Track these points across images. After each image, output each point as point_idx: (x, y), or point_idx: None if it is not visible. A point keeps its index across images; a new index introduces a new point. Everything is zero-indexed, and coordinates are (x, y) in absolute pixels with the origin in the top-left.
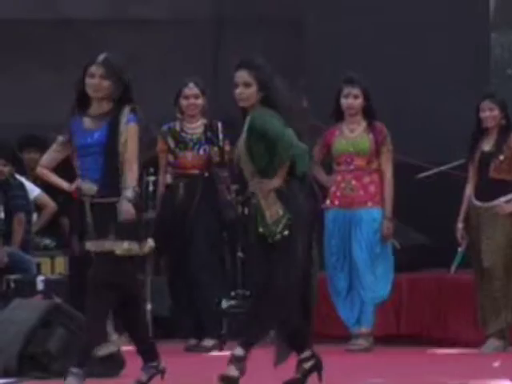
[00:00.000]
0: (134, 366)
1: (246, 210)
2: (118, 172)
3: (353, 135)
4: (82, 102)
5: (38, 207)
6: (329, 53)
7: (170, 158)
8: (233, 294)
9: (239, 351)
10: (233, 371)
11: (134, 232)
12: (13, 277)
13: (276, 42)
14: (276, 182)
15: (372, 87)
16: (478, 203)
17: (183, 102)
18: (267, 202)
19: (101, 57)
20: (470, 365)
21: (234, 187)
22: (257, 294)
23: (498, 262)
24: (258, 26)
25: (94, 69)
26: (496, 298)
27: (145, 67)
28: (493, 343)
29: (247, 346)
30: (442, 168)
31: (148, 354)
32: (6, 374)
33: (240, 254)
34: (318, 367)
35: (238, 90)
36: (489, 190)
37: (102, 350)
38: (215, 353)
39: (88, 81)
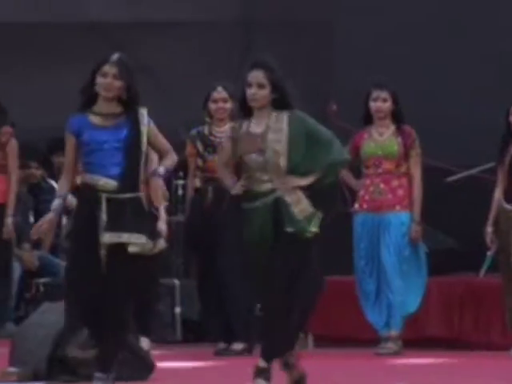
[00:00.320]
0: (162, 369)
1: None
2: (138, 168)
3: (381, 138)
4: (90, 100)
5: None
6: (357, 56)
7: (199, 161)
8: None
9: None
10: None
11: (150, 229)
12: (42, 280)
13: (304, 45)
14: (303, 181)
15: (400, 91)
16: (508, 207)
17: (212, 106)
18: (294, 199)
19: (114, 56)
20: (498, 368)
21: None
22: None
23: None
24: (286, 28)
25: (107, 68)
26: None
27: (172, 71)
28: None
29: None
30: (472, 171)
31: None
32: (35, 378)
33: None
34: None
35: (251, 90)
36: None
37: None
38: (245, 356)
39: (100, 80)
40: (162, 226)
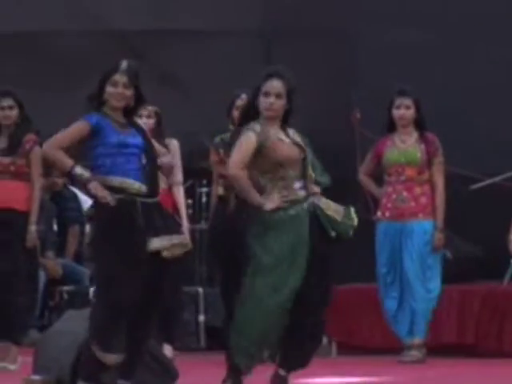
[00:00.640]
0: (186, 377)
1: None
2: (157, 174)
3: (404, 146)
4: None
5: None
6: (379, 65)
7: (223, 169)
8: None
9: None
10: None
11: (178, 229)
12: (66, 288)
13: (326, 54)
14: (317, 188)
15: (424, 98)
16: None
17: (235, 114)
18: (324, 203)
19: (123, 64)
20: None
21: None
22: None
23: None
24: (308, 38)
25: (117, 77)
26: None
27: (195, 79)
28: None
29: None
30: (496, 179)
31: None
32: None
33: None
34: None
35: (270, 100)
36: None
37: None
38: (268, 363)
39: (111, 89)
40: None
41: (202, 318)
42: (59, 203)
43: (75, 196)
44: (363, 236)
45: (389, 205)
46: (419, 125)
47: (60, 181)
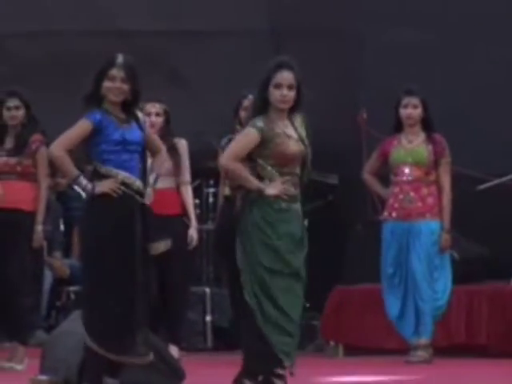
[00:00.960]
0: (193, 377)
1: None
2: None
3: (411, 145)
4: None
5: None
6: (386, 65)
7: None
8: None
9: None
10: None
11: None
12: (73, 288)
13: (332, 54)
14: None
15: (431, 99)
16: None
17: (243, 114)
18: None
19: (119, 59)
20: None
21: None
22: None
23: None
24: (316, 37)
25: (114, 72)
26: None
27: (202, 79)
28: None
29: None
30: (503, 180)
31: None
32: None
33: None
34: None
35: (283, 92)
36: None
37: None
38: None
39: (108, 84)
40: (193, 233)
41: (208, 318)
42: (64, 203)
43: (80, 196)
44: (370, 236)
45: (396, 205)
46: (427, 125)
47: (63, 181)
